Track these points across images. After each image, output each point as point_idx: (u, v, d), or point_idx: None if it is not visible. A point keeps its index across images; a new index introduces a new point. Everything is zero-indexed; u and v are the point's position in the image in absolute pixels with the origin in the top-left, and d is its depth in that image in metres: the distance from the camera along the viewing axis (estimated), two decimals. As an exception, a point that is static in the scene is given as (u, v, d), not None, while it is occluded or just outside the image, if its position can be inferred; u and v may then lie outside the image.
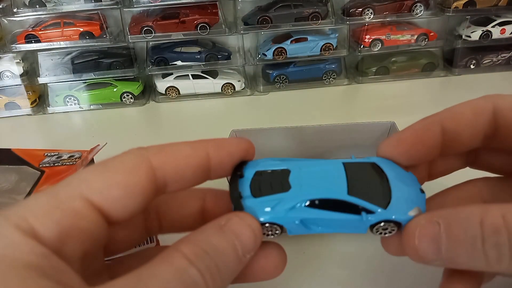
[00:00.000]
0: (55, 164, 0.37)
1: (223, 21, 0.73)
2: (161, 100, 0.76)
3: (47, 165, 0.37)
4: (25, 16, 0.70)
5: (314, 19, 0.74)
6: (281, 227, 0.21)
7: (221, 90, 0.75)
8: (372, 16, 0.74)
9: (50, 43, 0.71)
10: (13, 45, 0.70)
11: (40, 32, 0.70)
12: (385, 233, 0.22)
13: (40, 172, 0.36)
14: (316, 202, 0.21)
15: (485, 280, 0.26)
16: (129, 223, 0.23)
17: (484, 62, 0.79)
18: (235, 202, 0.21)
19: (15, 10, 0.69)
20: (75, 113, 0.74)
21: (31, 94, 0.74)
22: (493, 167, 0.27)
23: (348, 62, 0.81)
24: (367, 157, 0.24)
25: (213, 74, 0.76)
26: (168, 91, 0.76)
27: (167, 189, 0.21)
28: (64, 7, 0.69)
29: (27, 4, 0.69)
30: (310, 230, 0.22)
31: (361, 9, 0.74)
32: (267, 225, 0.21)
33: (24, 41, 0.70)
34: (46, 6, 0.69)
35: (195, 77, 0.75)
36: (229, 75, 0.76)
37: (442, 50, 0.80)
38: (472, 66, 0.80)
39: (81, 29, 0.71)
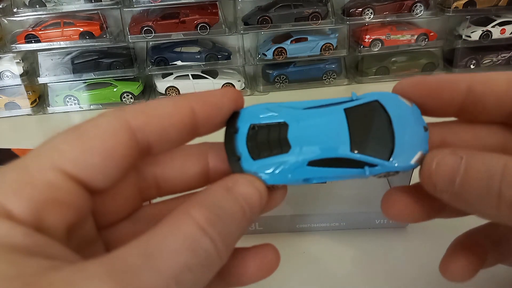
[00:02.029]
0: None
1: (223, 21, 0.73)
2: (161, 100, 0.76)
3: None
4: (25, 16, 0.70)
5: (314, 19, 0.74)
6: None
7: (221, 90, 0.75)
8: (372, 16, 0.74)
9: (50, 43, 0.71)
10: (13, 45, 0.70)
11: (40, 32, 0.70)
12: (387, 177, 0.22)
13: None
14: (318, 161, 0.20)
15: (486, 265, 0.26)
16: (118, 192, 0.21)
17: (484, 62, 0.79)
18: (234, 166, 0.20)
19: (15, 10, 0.69)
20: (75, 113, 0.74)
21: (31, 94, 0.74)
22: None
23: (348, 62, 0.81)
24: (369, 93, 0.23)
25: (213, 74, 0.76)
26: (168, 91, 0.76)
27: (152, 151, 0.19)
28: (64, 7, 0.69)
29: (27, 4, 0.69)
30: (311, 182, 0.21)
31: (361, 9, 0.74)
32: (269, 185, 0.21)
33: (24, 41, 0.70)
34: (46, 6, 0.69)
35: (195, 77, 0.75)
36: (229, 75, 0.76)
37: (442, 50, 0.80)
38: (472, 66, 0.79)
39: (81, 29, 0.71)
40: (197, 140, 0.22)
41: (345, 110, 0.22)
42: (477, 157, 0.19)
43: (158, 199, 0.23)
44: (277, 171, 0.20)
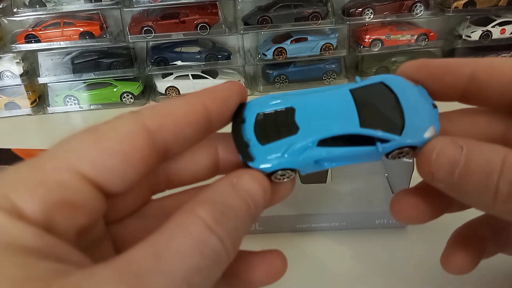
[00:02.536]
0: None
1: (223, 21, 0.73)
2: (161, 100, 0.76)
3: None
4: (25, 16, 0.70)
5: (314, 19, 0.74)
6: (294, 170, 0.20)
7: (221, 90, 0.75)
8: (372, 16, 0.74)
9: (50, 43, 0.71)
10: (13, 45, 0.70)
11: (40, 32, 0.70)
12: (400, 157, 0.21)
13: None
14: (329, 140, 0.20)
15: (487, 255, 0.26)
16: (130, 190, 0.20)
17: (484, 62, 0.79)
18: (243, 153, 0.20)
19: (15, 10, 0.69)
20: (75, 113, 0.74)
21: (31, 94, 0.74)
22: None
23: (348, 62, 0.81)
24: (373, 77, 0.23)
25: (213, 74, 0.76)
26: (168, 91, 0.76)
27: (169, 153, 0.19)
28: (64, 7, 0.69)
29: (27, 4, 0.69)
30: (324, 167, 0.21)
31: (361, 9, 0.74)
32: (280, 171, 0.20)
33: (24, 41, 0.70)
34: (46, 6, 0.69)
35: (195, 77, 0.75)
36: (229, 75, 0.76)
37: (442, 50, 0.80)
38: (472, 66, 0.79)
39: (81, 29, 0.71)
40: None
41: (351, 90, 0.22)
42: (477, 148, 0.19)
43: (167, 192, 0.23)
44: (286, 154, 0.20)
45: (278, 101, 0.22)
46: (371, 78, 0.22)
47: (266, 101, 0.22)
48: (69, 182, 0.16)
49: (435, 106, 0.22)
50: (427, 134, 0.20)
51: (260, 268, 0.21)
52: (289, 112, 0.21)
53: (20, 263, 0.14)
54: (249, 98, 0.22)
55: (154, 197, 0.23)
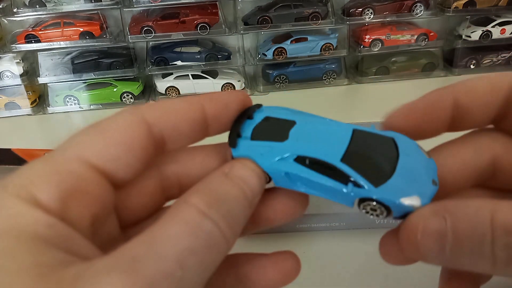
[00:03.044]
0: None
1: (223, 21, 0.73)
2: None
3: (47, 165, 0.37)
4: (25, 16, 0.70)
5: (314, 19, 0.74)
6: (268, 175, 0.21)
7: (221, 90, 0.75)
8: (372, 16, 0.74)
9: (50, 43, 0.71)
10: (13, 45, 0.70)
11: (40, 32, 0.70)
12: (373, 214, 0.20)
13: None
14: (306, 159, 0.20)
15: (483, 281, 0.26)
16: (142, 189, 0.21)
17: (484, 62, 0.79)
18: (231, 139, 0.21)
19: (15, 10, 0.69)
20: (75, 113, 0.74)
21: (31, 94, 0.74)
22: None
23: (348, 62, 0.81)
24: (388, 131, 0.22)
25: (213, 74, 0.76)
26: (168, 91, 0.76)
27: (167, 146, 0.21)
28: (64, 7, 0.69)
29: (27, 4, 0.69)
30: (296, 186, 0.21)
31: (361, 9, 0.74)
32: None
33: (24, 41, 0.70)
34: (46, 6, 0.69)
35: (195, 77, 0.75)
36: (229, 75, 0.76)
37: (442, 50, 0.80)
38: (472, 66, 0.80)
39: (81, 29, 0.71)
40: (207, 142, 0.23)
41: (354, 130, 0.22)
42: (461, 213, 0.18)
43: None
44: (263, 154, 0.21)
45: (289, 113, 0.23)
46: (385, 132, 0.22)
47: (280, 110, 0.23)
48: (79, 172, 0.17)
49: (435, 184, 0.20)
50: (407, 201, 0.19)
51: (273, 270, 0.21)
52: (290, 123, 0.22)
53: (30, 249, 0.15)
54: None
55: (169, 203, 0.23)
